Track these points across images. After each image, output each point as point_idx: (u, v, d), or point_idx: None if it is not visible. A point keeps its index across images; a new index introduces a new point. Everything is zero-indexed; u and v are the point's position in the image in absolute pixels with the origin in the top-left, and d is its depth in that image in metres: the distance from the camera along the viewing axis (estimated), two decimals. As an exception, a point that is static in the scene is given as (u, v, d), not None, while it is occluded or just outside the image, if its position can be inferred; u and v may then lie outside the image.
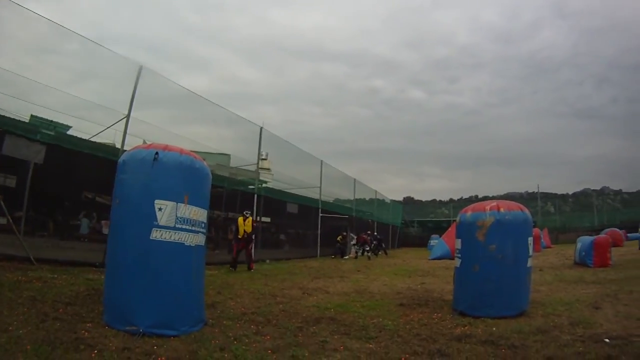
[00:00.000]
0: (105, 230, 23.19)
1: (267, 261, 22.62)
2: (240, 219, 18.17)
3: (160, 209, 6.81)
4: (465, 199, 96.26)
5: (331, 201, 34.82)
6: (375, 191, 48.39)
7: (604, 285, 13.34)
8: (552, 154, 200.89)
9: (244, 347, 6.39)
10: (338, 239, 31.14)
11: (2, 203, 12.02)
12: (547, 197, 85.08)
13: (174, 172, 7.05)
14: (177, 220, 6.94)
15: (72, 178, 22.47)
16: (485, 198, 74.01)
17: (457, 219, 10.45)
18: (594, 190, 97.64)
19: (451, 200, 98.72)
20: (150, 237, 6.73)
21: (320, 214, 30.55)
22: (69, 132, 16.44)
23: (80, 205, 27.15)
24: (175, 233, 6.91)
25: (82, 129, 16.11)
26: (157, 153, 6.96)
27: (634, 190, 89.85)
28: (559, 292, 12.30)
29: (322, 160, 31.03)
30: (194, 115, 21.19)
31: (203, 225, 7.53)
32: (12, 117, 13.91)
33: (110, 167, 14.78)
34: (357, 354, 6.38)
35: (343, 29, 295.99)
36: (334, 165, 33.99)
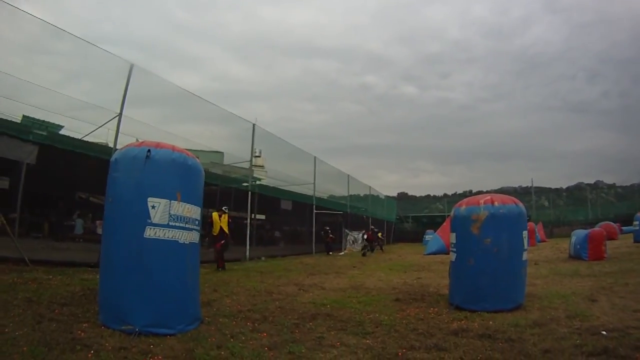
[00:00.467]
0: (99, 230, 22.85)
1: (263, 258, 22.66)
2: (215, 215, 17.16)
3: (153, 207, 6.76)
4: (460, 194, 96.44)
5: (325, 197, 34.81)
6: (370, 187, 48.50)
7: (600, 278, 13.40)
8: (545, 149, 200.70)
9: (240, 344, 6.37)
10: (322, 234, 30.85)
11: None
12: (541, 191, 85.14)
13: (166, 170, 7.00)
14: (171, 218, 6.90)
15: (66, 178, 22.48)
16: (479, 193, 74.25)
17: (452, 213, 10.46)
18: (587, 184, 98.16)
19: (445, 195, 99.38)
20: (144, 236, 6.69)
21: (315, 211, 30.61)
22: (61, 132, 16.40)
23: (74, 206, 27.14)
24: (169, 231, 6.86)
25: (74, 128, 16.10)
26: (149, 150, 6.90)
27: (628, 184, 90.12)
28: (554, 285, 12.36)
29: (315, 157, 31.13)
30: (186, 114, 21.20)
31: (197, 222, 7.49)
32: (3, 117, 13.85)
33: (104, 166, 14.83)
34: (354, 349, 6.38)
35: (333, 25, 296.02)
36: (327, 162, 34.10)
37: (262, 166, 30.90)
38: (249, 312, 8.68)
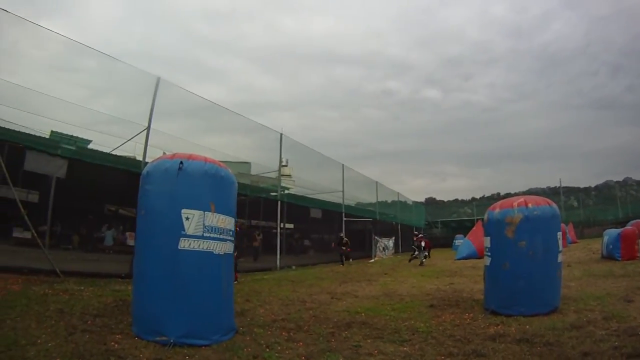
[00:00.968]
0: (130, 242, 23.51)
1: (293, 267, 22.62)
2: None
3: (187, 218, 6.78)
4: (487, 197, 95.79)
5: (354, 205, 34.63)
6: (398, 193, 48.03)
7: (634, 278, 13.20)
8: (571, 147, 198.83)
9: (276, 354, 6.35)
10: (339, 243, 28.62)
11: (26, 217, 12.12)
12: (570, 191, 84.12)
13: (199, 181, 7.02)
14: (205, 229, 6.90)
15: (95, 191, 22.63)
16: (508, 195, 73.42)
17: (485, 216, 10.32)
18: (616, 181, 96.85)
19: (473, 199, 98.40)
20: (179, 247, 6.71)
21: (344, 218, 30.39)
22: (89, 146, 16.51)
23: (103, 218, 27.41)
24: (203, 242, 6.87)
25: (102, 142, 16.23)
26: (181, 162, 6.94)
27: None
28: (589, 287, 12.15)
29: (343, 164, 31.03)
30: (211, 125, 21.39)
31: (231, 233, 7.49)
32: (32, 133, 13.98)
33: (132, 179, 14.94)
34: (392, 357, 6.34)
35: (353, 32, 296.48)
36: (354, 169, 33.83)
37: (289, 175, 30.87)
38: (283, 321, 8.64)
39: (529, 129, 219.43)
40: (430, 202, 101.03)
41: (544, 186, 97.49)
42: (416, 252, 28.14)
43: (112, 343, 6.25)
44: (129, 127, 15.33)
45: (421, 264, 26.61)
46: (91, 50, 14.36)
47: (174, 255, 6.70)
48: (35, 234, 12.64)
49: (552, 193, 79.56)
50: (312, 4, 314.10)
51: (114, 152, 16.29)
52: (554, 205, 9.69)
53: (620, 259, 18.91)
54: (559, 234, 9.62)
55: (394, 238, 37.04)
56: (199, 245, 6.83)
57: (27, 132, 13.81)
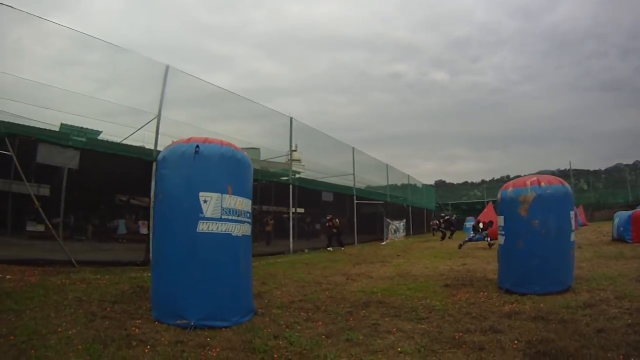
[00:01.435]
0: (143, 230, 23.87)
1: (306, 250, 22.71)
2: None
3: (205, 201, 6.85)
4: (497, 179, 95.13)
5: (364, 188, 34.54)
6: (408, 176, 47.73)
7: (645, 259, 13.15)
8: (580, 130, 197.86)
9: (297, 334, 6.43)
10: (329, 224, 26.08)
11: (40, 210, 12.23)
12: (579, 173, 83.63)
13: (216, 164, 7.07)
14: (223, 211, 6.97)
15: (106, 182, 22.75)
16: (517, 177, 73.65)
17: (498, 195, 10.33)
18: (626, 164, 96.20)
19: (483, 181, 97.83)
20: (197, 230, 6.77)
21: (356, 201, 30.35)
22: (100, 137, 16.58)
23: (115, 208, 27.52)
24: (222, 224, 6.94)
25: (112, 133, 16.32)
26: (197, 146, 6.99)
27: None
28: (600, 267, 12.24)
29: (353, 147, 30.96)
30: (219, 113, 21.31)
31: (248, 215, 7.57)
32: (42, 127, 14.07)
33: (143, 168, 15.05)
34: (411, 334, 6.42)
35: (358, 15, 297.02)
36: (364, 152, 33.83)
37: (298, 160, 30.81)
38: (300, 302, 8.79)
39: (537, 111, 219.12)
40: (440, 184, 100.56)
41: (554, 169, 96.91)
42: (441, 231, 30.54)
43: (133, 328, 6.34)
44: (138, 117, 15.39)
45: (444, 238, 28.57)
46: (97, 42, 14.35)
47: (192, 238, 6.77)
48: (50, 226, 12.93)
49: (561, 176, 78.32)
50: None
51: (124, 142, 16.37)
52: (566, 184, 9.72)
53: (630, 241, 18.90)
54: (572, 212, 9.66)
55: (404, 220, 37.02)
56: (218, 228, 6.90)
57: (37, 125, 13.92)
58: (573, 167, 73.99)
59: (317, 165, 28.05)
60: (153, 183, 13.97)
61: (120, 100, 15.65)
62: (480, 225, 25.68)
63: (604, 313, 7.12)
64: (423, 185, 58.85)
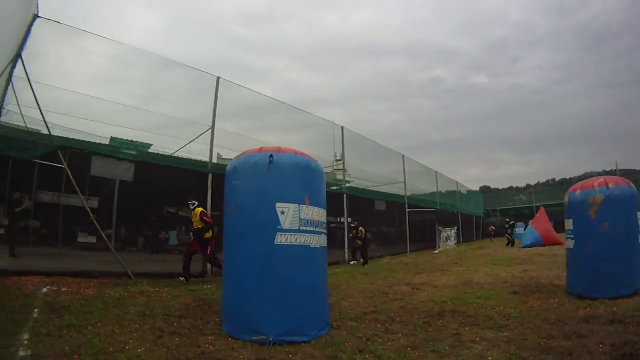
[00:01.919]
0: None
1: (361, 260, 22.52)
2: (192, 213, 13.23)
3: (282, 212, 6.71)
4: (542, 183, 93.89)
5: (415, 195, 34.18)
6: (456, 182, 46.83)
7: None
8: (625, 127, 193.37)
9: (381, 346, 6.28)
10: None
11: (95, 222, 12.38)
12: (626, 173, 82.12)
13: (292, 174, 6.95)
14: (301, 222, 6.82)
15: (157, 193, 23.03)
16: (563, 180, 72.18)
17: (566, 198, 10.20)
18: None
19: (528, 185, 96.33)
20: (275, 242, 6.63)
21: (407, 209, 29.87)
22: (150, 150, 16.78)
23: (163, 220, 27.76)
24: (300, 236, 6.79)
25: (162, 145, 16.47)
26: (271, 155, 6.88)
27: None
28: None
29: (403, 155, 30.58)
30: (261, 123, 21.11)
31: (324, 225, 7.43)
32: (94, 141, 14.41)
33: (197, 179, 15.18)
34: (495, 343, 6.38)
35: (395, 22, 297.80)
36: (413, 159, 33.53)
37: (344, 169, 30.73)
38: (372, 313, 8.62)
39: (579, 110, 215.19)
40: (485, 190, 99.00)
41: (600, 169, 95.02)
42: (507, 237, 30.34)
43: (206, 345, 6.20)
44: (187, 129, 15.57)
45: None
46: (142, 57, 14.70)
47: (270, 250, 6.62)
48: (105, 237, 13.22)
49: (608, 177, 77.10)
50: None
51: (175, 154, 16.53)
52: (632, 185, 9.56)
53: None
54: (639, 214, 9.56)
55: (455, 228, 36.66)
56: (296, 239, 6.75)
57: (89, 140, 14.22)
58: (620, 167, 72.66)
59: (364, 173, 27.71)
60: (209, 194, 14.38)
61: (168, 112, 15.85)
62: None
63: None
64: (467, 191, 58.25)
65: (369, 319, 8.12)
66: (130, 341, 6.15)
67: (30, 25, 11.08)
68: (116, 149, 15.08)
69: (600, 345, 5.85)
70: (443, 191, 42.74)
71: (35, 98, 10.86)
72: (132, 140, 16.28)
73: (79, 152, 13.42)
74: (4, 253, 14.13)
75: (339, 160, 27.19)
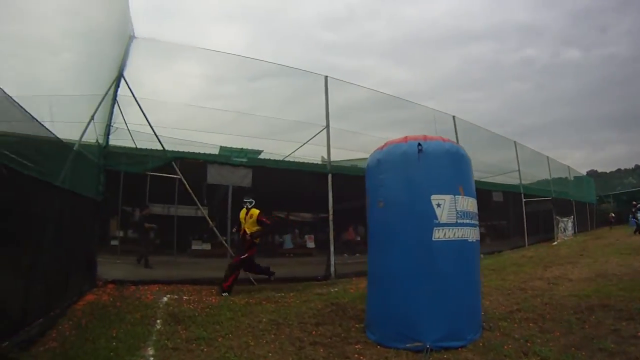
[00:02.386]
0: (309, 244, 24.84)
1: (482, 256, 21.90)
2: (242, 212, 12.07)
3: (438, 205, 6.17)
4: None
5: (529, 184, 32.80)
6: (568, 167, 43.97)
7: None
8: None
9: (543, 348, 5.75)
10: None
11: (215, 229, 12.53)
12: None
13: (443, 162, 6.43)
14: (458, 215, 6.28)
15: (270, 197, 23.08)
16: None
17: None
18: None
19: (636, 166, 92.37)
20: (433, 238, 6.11)
21: (524, 199, 28.25)
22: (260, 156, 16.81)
23: (274, 224, 27.87)
24: (458, 230, 6.25)
25: (271, 150, 16.45)
26: (419, 144, 6.34)
27: None
28: None
29: (515, 141, 29.33)
30: (365, 120, 20.89)
31: (477, 217, 6.85)
32: (205, 152, 14.91)
33: (315, 182, 14.97)
34: (663, 337, 5.78)
35: (474, 5, 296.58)
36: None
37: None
38: (519, 312, 8.03)
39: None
40: (592, 174, 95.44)
41: None
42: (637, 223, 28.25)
43: (356, 355, 5.77)
44: (293, 133, 15.66)
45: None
46: (241, 66, 15.65)
47: (428, 248, 6.10)
48: (225, 243, 13.73)
49: None
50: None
51: (287, 158, 16.49)
52: None
53: None
54: None
55: (572, 217, 35.13)
56: (454, 234, 6.21)
57: (199, 151, 14.67)
58: None
59: (480, 164, 27.01)
60: (330, 195, 14.34)
61: (279, 116, 15.90)
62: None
63: None
64: (574, 177, 56.12)
65: (519, 318, 7.52)
66: (270, 354, 5.80)
67: (128, 46, 11.79)
68: (227, 158, 15.09)
69: None
70: (556, 177, 41.32)
71: (144, 113, 11.58)
72: (242, 148, 16.32)
73: (193, 162, 13.75)
74: (120, 264, 14.63)
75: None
